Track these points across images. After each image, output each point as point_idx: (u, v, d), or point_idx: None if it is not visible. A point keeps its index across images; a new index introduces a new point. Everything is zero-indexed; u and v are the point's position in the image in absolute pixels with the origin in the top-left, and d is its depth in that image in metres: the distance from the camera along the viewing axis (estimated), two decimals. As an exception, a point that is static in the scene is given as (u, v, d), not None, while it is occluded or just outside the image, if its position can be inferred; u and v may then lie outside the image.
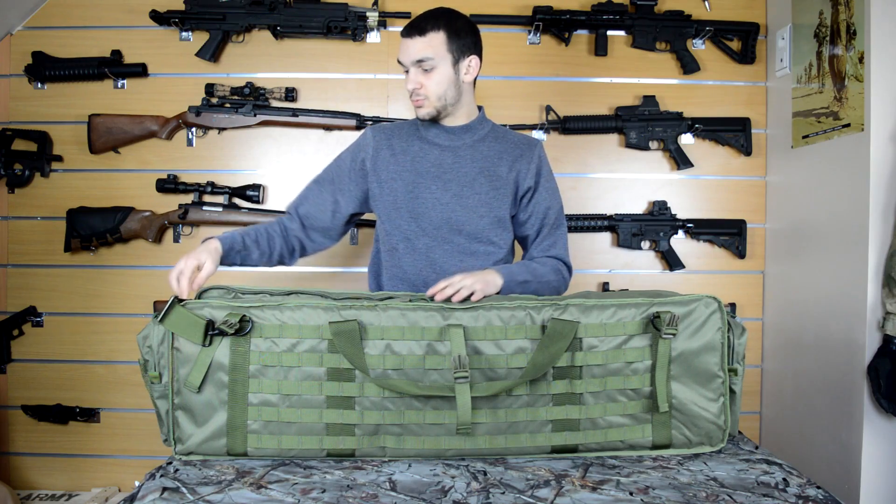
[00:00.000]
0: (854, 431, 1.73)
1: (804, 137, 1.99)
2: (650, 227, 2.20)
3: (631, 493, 1.08)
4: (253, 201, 2.18)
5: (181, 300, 1.22)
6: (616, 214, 2.21)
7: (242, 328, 1.19)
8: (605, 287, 2.25)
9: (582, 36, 2.24)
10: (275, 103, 2.19)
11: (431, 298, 1.27)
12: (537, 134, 2.21)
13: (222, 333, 1.19)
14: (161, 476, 1.13)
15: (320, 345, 1.20)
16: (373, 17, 2.12)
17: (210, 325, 1.18)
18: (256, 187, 2.16)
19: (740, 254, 2.21)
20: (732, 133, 2.21)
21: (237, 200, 2.20)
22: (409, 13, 2.02)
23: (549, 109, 2.18)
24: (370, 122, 2.16)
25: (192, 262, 1.30)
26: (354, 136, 1.89)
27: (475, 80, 1.54)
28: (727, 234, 2.21)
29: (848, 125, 1.77)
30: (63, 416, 2.20)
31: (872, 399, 1.68)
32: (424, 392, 1.17)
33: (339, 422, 1.19)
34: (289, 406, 1.19)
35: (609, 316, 1.23)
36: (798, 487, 1.11)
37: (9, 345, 2.20)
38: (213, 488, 1.08)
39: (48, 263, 2.22)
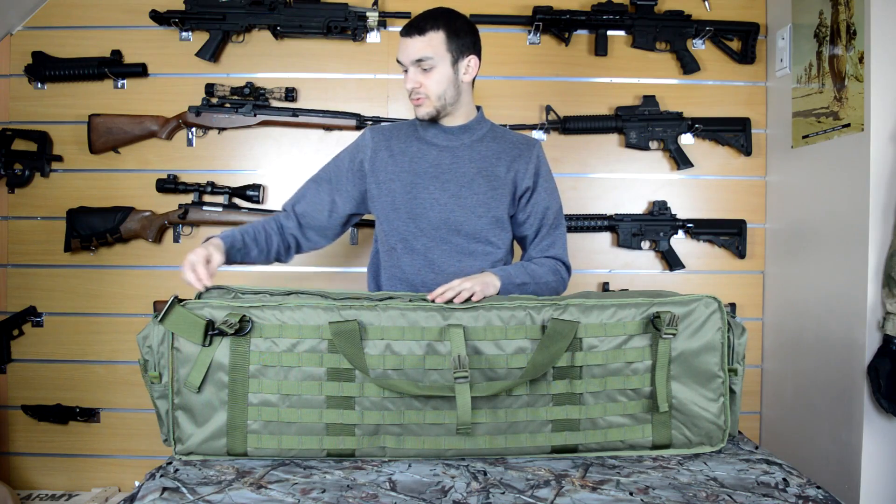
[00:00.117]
0: (854, 431, 1.73)
1: (804, 137, 1.99)
2: (650, 227, 2.20)
3: (631, 493, 1.08)
4: (253, 201, 2.18)
5: (181, 300, 1.22)
6: (616, 214, 2.21)
7: (242, 328, 1.19)
8: (605, 287, 2.25)
9: (582, 36, 2.24)
10: (275, 103, 2.19)
11: (432, 302, 1.27)
12: (537, 134, 2.21)
13: (222, 333, 1.19)
14: (161, 476, 1.13)
15: (320, 345, 1.20)
16: (373, 17, 2.12)
17: (210, 325, 1.18)
18: (256, 187, 2.16)
19: (740, 254, 2.21)
20: (732, 133, 2.21)
21: (237, 200, 2.20)
22: (409, 13, 2.02)
23: (549, 109, 2.18)
24: (370, 122, 2.16)
25: (202, 252, 1.31)
26: (354, 136, 1.89)
27: (474, 80, 1.55)
28: (727, 234, 2.21)
29: (848, 125, 1.77)
30: (63, 416, 2.20)
31: (872, 399, 1.68)
32: (424, 392, 1.17)
33: (339, 422, 1.19)
34: (289, 406, 1.19)
35: (609, 316, 1.23)
36: (798, 487, 1.11)
37: (9, 345, 2.20)
38: (213, 488, 1.08)
39: (48, 263, 2.22)
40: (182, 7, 2.13)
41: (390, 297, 1.29)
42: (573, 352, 1.21)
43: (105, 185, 2.20)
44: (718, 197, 2.26)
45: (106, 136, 2.14)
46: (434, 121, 1.53)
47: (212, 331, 1.18)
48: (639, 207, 2.26)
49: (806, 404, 1.98)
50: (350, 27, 2.14)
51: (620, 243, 2.21)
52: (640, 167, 2.25)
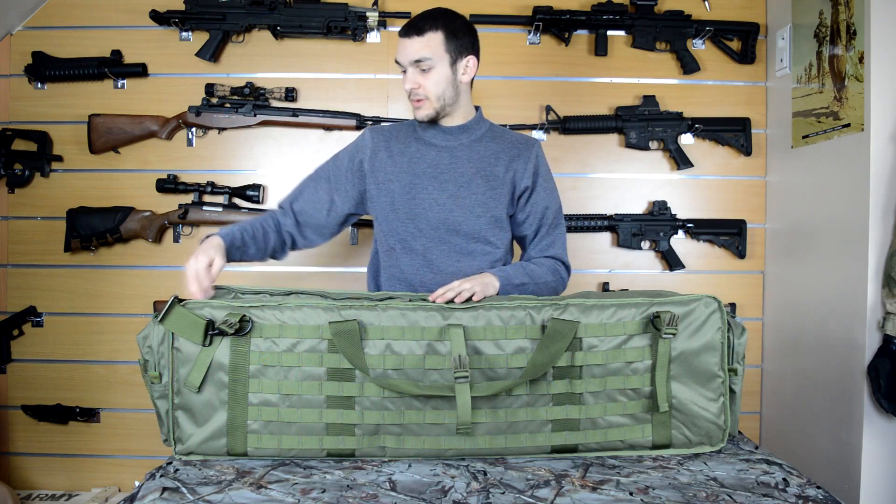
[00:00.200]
0: (854, 431, 1.73)
1: (804, 137, 1.99)
2: (650, 227, 2.20)
3: (631, 493, 1.08)
4: (253, 201, 2.18)
5: (181, 300, 1.22)
6: (616, 214, 2.21)
7: (242, 328, 1.19)
8: (605, 287, 2.25)
9: (582, 36, 2.24)
10: (275, 103, 2.19)
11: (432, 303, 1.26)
12: (537, 134, 2.21)
13: (222, 333, 1.19)
14: (161, 476, 1.13)
15: (320, 345, 1.20)
16: (373, 17, 2.12)
17: (210, 325, 1.18)
18: (256, 187, 2.17)
19: (740, 254, 2.21)
20: (732, 133, 2.21)
21: (237, 200, 2.20)
22: (409, 13, 2.02)
23: (549, 109, 2.18)
24: (370, 122, 2.16)
25: (204, 260, 1.29)
26: (354, 136, 1.89)
27: (472, 80, 1.55)
28: (727, 234, 2.21)
29: (848, 125, 1.77)
30: (63, 416, 2.20)
31: (872, 399, 1.68)
32: (424, 392, 1.17)
33: (339, 422, 1.19)
34: (289, 406, 1.19)
35: (609, 316, 1.23)
36: (798, 487, 1.11)
37: (9, 345, 2.20)
38: (213, 488, 1.09)
39: (48, 263, 2.22)
40: (182, 7, 2.13)
41: (390, 297, 1.29)
42: (573, 352, 1.21)
43: (105, 185, 2.20)
44: (718, 197, 2.26)
45: (106, 136, 2.15)
46: (433, 121, 1.53)
47: (212, 331, 1.18)
48: (639, 207, 2.26)
49: (806, 404, 1.98)
50: (350, 27, 2.14)
51: (620, 243, 2.21)
52: (640, 167, 2.25)
